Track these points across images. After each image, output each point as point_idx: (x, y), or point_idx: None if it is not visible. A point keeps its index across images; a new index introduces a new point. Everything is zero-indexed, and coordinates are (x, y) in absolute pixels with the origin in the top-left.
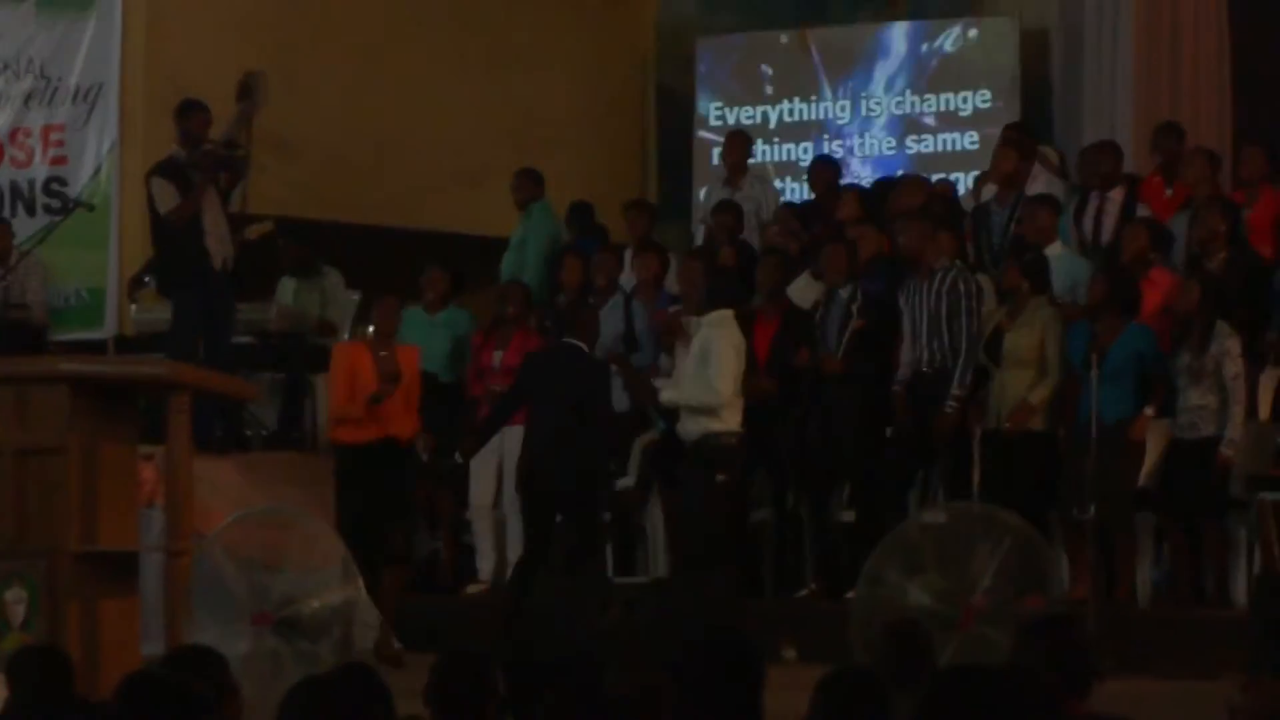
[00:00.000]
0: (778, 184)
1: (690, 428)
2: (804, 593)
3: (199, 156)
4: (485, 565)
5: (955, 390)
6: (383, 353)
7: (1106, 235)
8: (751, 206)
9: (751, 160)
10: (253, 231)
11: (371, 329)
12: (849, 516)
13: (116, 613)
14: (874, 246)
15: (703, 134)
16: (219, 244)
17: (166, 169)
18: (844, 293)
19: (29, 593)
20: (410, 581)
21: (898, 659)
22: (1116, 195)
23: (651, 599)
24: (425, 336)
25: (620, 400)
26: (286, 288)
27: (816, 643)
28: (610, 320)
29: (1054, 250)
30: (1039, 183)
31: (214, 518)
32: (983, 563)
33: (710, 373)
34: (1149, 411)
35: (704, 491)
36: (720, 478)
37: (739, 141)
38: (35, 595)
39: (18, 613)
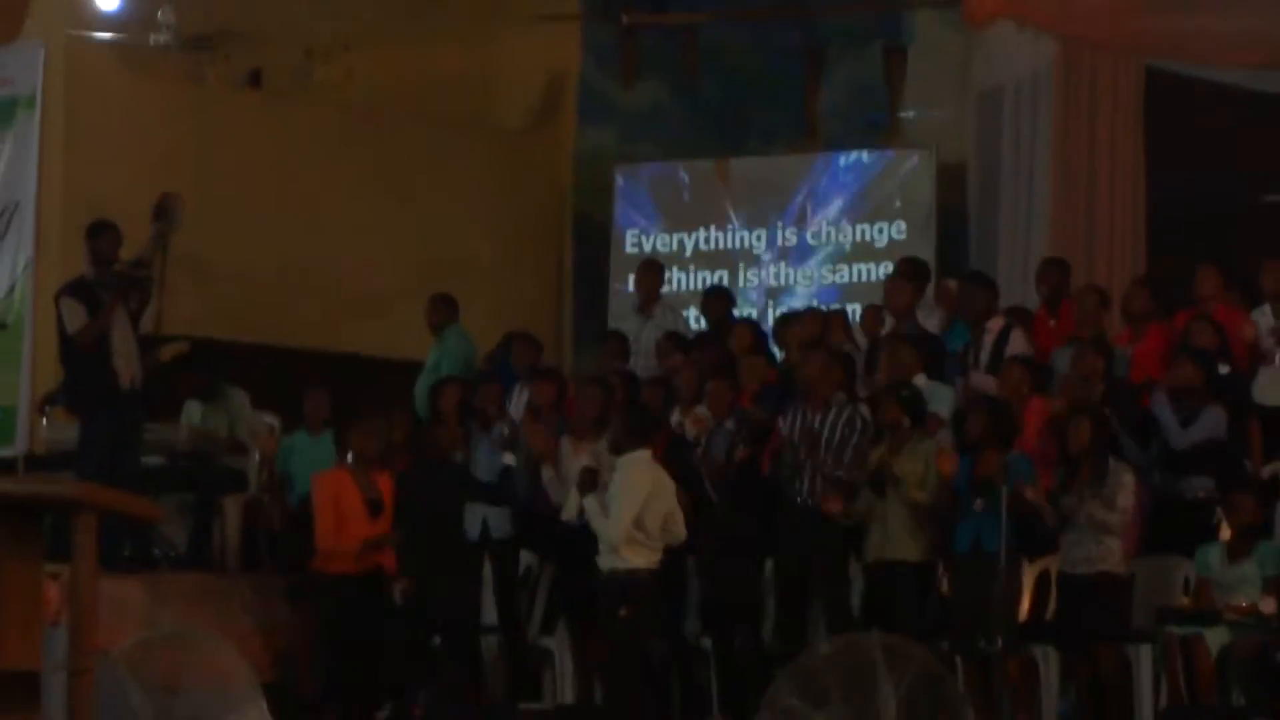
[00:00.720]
0: (692, 312)
1: (601, 561)
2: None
3: (107, 276)
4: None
5: (839, 473)
6: (367, 480)
7: (982, 368)
8: (660, 336)
9: (665, 289)
10: (166, 352)
11: (350, 455)
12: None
13: None
14: (760, 376)
15: (619, 262)
16: (127, 363)
17: (76, 289)
18: (728, 424)
19: None
20: None
21: None
22: (993, 327)
23: None
24: (309, 460)
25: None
26: (192, 411)
27: None
28: (493, 443)
29: (919, 381)
30: (933, 318)
31: (119, 637)
32: (886, 694)
33: (612, 512)
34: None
35: (609, 624)
36: (622, 612)
37: (651, 270)
38: None
39: None
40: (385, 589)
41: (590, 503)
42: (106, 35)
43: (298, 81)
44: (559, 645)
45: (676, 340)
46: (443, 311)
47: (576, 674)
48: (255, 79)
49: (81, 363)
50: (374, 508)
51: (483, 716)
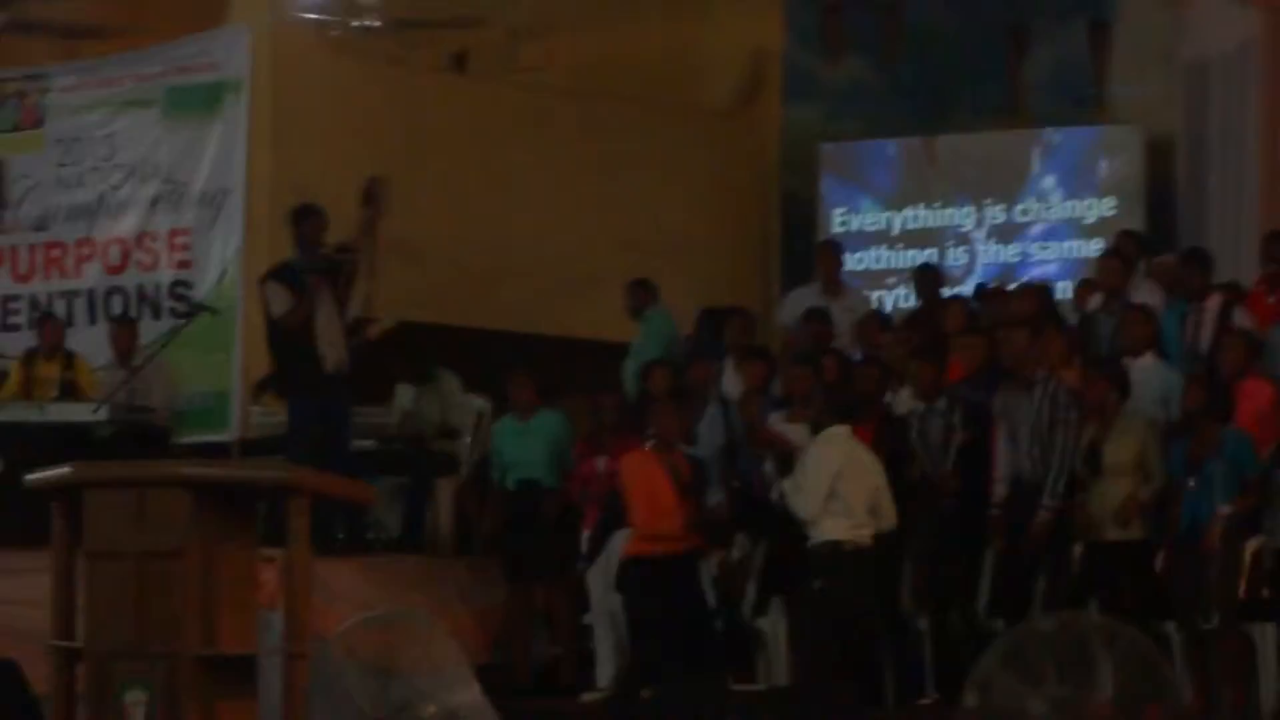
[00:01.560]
0: (900, 291)
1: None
2: (926, 701)
3: (312, 261)
4: (605, 671)
5: (1047, 500)
6: (672, 459)
7: (1205, 345)
8: (849, 316)
9: (875, 266)
10: (374, 331)
11: (653, 436)
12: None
13: (234, 716)
14: (979, 356)
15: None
16: (331, 348)
17: (280, 273)
18: (940, 404)
19: (148, 695)
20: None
21: None
22: (1211, 304)
23: (769, 708)
24: (519, 446)
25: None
26: (404, 394)
27: None
28: (711, 430)
29: (1145, 362)
30: (1141, 292)
31: (334, 621)
32: (1103, 673)
33: (804, 488)
34: (1224, 510)
35: (813, 600)
36: (817, 584)
37: (829, 251)
38: (154, 698)
39: (137, 715)
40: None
41: (789, 483)
42: (312, 18)
43: (502, 63)
44: (772, 626)
45: (880, 319)
46: (641, 296)
47: (790, 655)
48: (460, 61)
49: (287, 347)
50: (684, 488)
51: (696, 697)
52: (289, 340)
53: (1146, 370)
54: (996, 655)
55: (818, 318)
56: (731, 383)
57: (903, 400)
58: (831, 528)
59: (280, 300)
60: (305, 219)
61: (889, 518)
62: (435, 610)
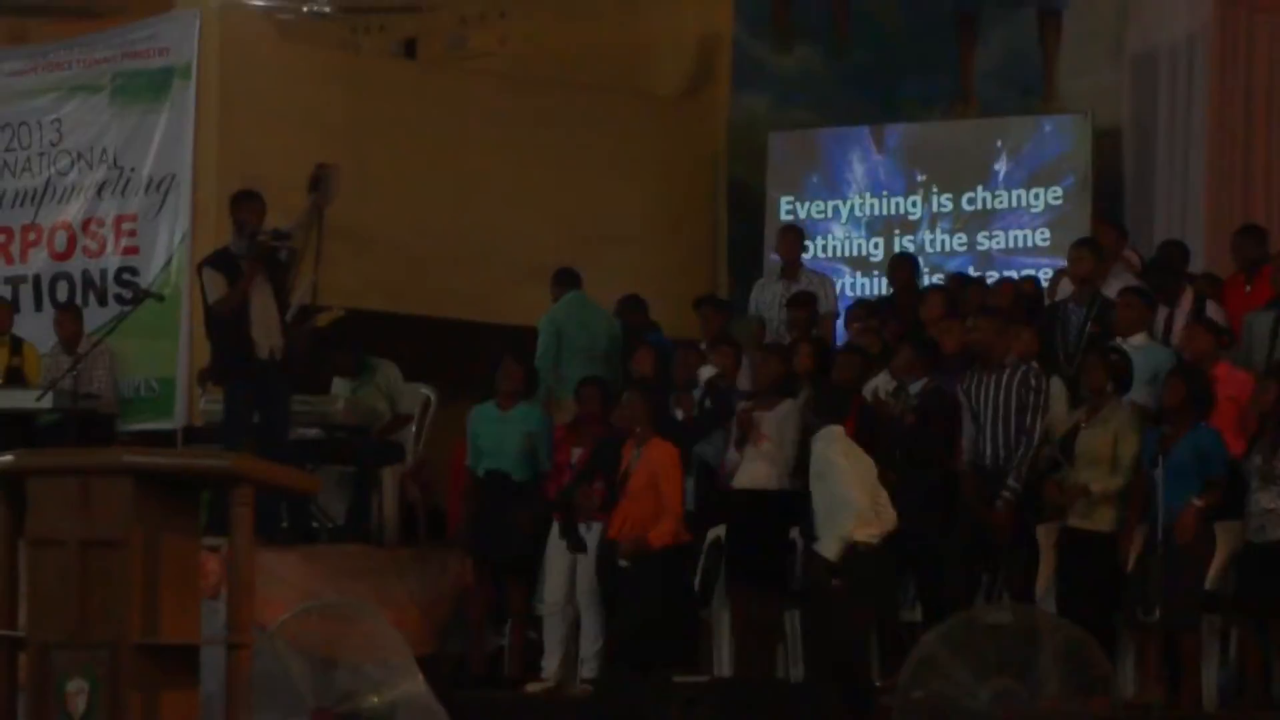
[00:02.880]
0: (848, 278)
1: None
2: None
3: (247, 247)
4: (551, 662)
5: (1011, 482)
6: None
7: (1175, 338)
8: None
9: (821, 256)
10: (323, 319)
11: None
12: (914, 616)
13: (177, 705)
14: (957, 342)
15: (773, 228)
16: (266, 334)
17: (218, 260)
18: (914, 389)
19: (90, 684)
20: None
21: None
22: (1185, 298)
23: (713, 698)
24: (495, 434)
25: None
26: (341, 385)
27: None
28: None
29: (1138, 340)
30: (1118, 282)
31: (278, 610)
32: (1047, 666)
33: (835, 487)
34: (1196, 503)
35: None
36: (835, 583)
37: (791, 236)
38: (96, 687)
39: (79, 704)
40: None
41: (820, 488)
42: (261, 4)
43: (452, 49)
44: (716, 616)
45: (868, 305)
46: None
47: (734, 646)
48: (410, 47)
49: (221, 333)
50: None
51: (643, 688)
52: (223, 327)
53: (1138, 350)
54: (940, 643)
55: (802, 302)
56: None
57: (872, 388)
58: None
59: (215, 287)
60: (242, 203)
61: (891, 518)
62: (379, 600)
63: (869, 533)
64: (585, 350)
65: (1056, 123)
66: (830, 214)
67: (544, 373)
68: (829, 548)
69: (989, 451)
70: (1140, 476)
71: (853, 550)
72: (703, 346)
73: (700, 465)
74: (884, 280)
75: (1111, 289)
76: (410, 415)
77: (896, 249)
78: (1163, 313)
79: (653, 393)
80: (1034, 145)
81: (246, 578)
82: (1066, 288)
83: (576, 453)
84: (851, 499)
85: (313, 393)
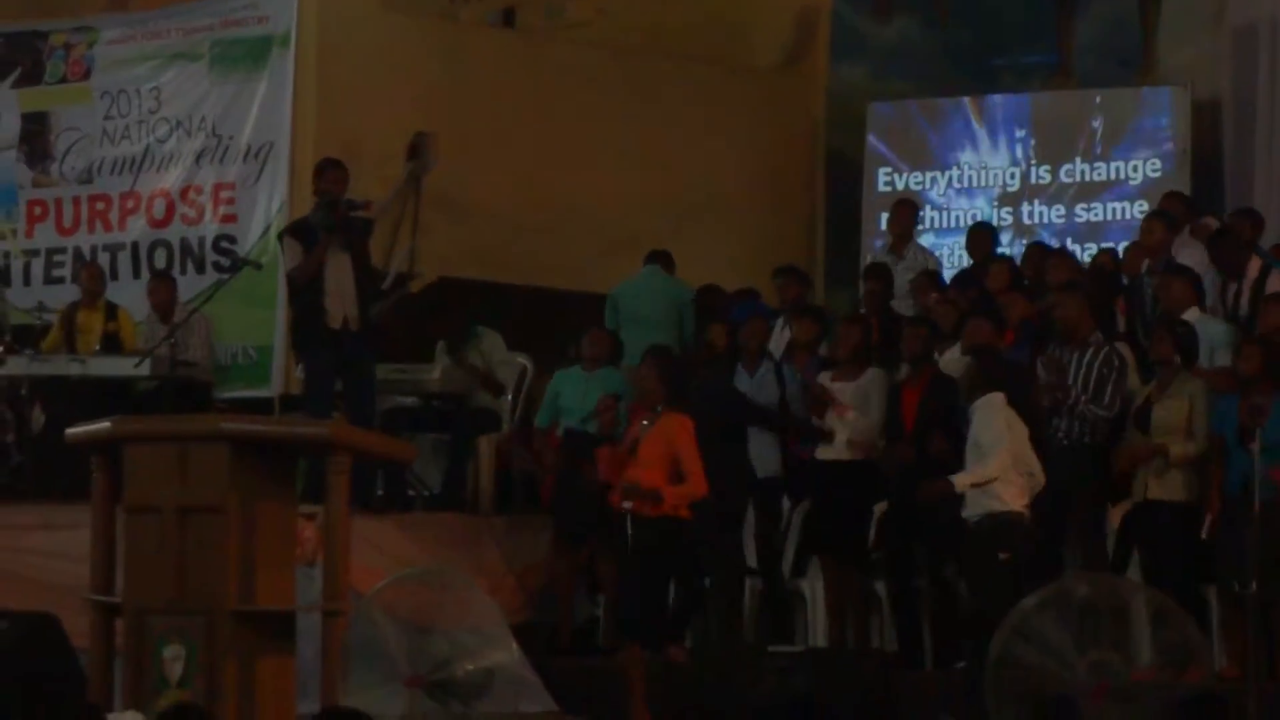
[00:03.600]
0: (945, 249)
1: (973, 507)
2: (963, 664)
3: (321, 216)
4: None
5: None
6: None
7: (1244, 308)
8: (909, 275)
9: (920, 228)
10: (414, 285)
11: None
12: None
13: (272, 671)
14: (1021, 313)
15: (872, 199)
16: (339, 303)
17: (296, 229)
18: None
19: (187, 650)
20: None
21: None
22: (1251, 270)
23: (805, 670)
24: (579, 394)
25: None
26: (444, 357)
27: (975, 713)
28: (763, 386)
29: (1191, 316)
30: (1185, 254)
31: (374, 578)
32: (1142, 637)
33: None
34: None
35: (987, 570)
36: (1003, 556)
37: (905, 210)
38: (193, 652)
39: (175, 669)
40: None
41: (972, 451)
42: None
43: (550, 19)
44: (810, 587)
45: (932, 278)
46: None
47: (829, 616)
48: (508, 17)
49: (298, 302)
50: None
51: (734, 659)
52: (300, 296)
53: (1193, 325)
54: (1029, 615)
55: (877, 274)
56: (779, 341)
57: (950, 362)
58: (1009, 497)
59: (292, 255)
60: (324, 173)
61: (1040, 479)
62: (474, 568)
63: (1021, 501)
64: (647, 320)
65: (1155, 95)
66: (928, 185)
67: None
68: (959, 478)
69: (1064, 429)
70: (1216, 445)
71: (1005, 519)
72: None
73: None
74: None
75: (1183, 259)
76: (502, 383)
77: (995, 221)
78: (1232, 286)
79: (670, 363)
80: (1133, 117)
81: (342, 545)
82: (1141, 260)
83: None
84: (992, 467)
85: (414, 360)
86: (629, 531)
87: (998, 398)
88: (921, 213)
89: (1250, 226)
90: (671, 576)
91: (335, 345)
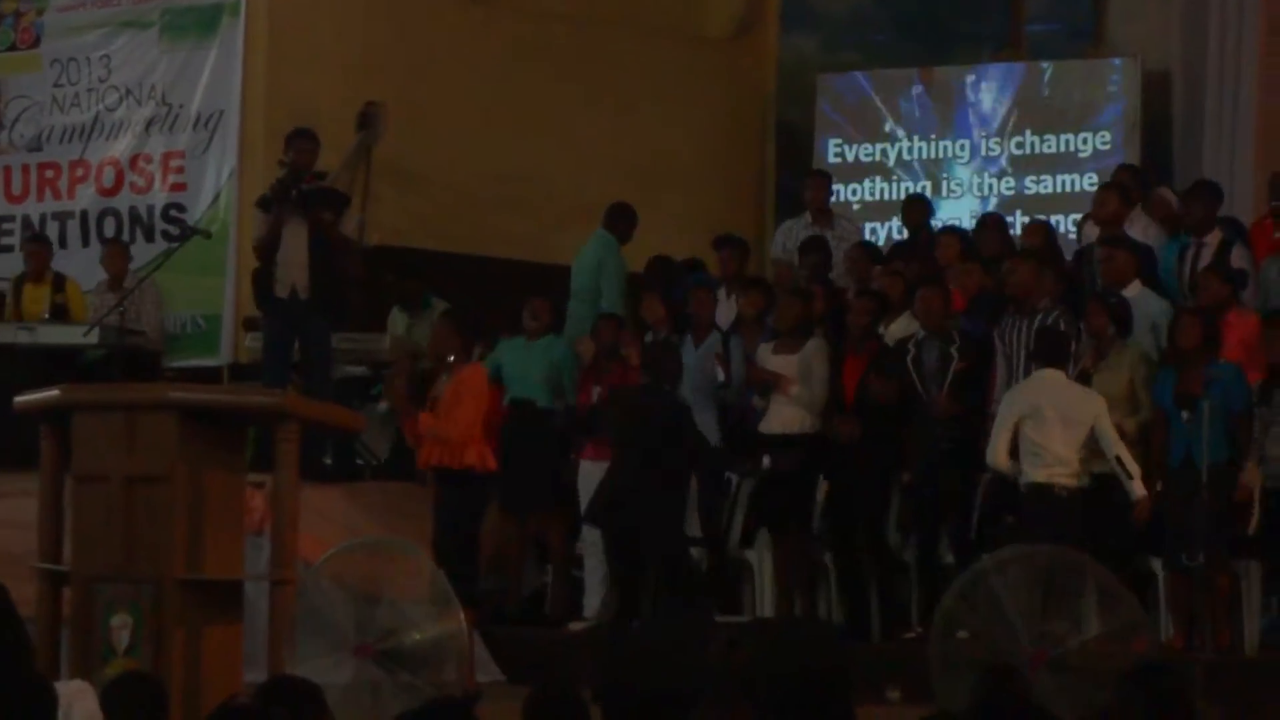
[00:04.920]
0: (895, 223)
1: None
2: (910, 635)
3: (276, 188)
4: (592, 601)
5: None
6: None
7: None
8: (841, 246)
9: (869, 199)
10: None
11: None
12: (950, 558)
13: (220, 640)
14: (978, 284)
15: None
16: (288, 271)
17: (263, 200)
18: (942, 334)
19: (134, 618)
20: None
21: (998, 705)
22: (1212, 239)
23: (754, 638)
24: (522, 362)
25: (712, 435)
26: (398, 320)
27: (922, 685)
28: (706, 358)
29: (1132, 290)
30: (1137, 226)
31: (322, 547)
32: (1088, 609)
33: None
34: (1251, 465)
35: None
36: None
37: (820, 181)
38: (140, 621)
39: (122, 638)
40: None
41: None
42: None
43: None
44: (759, 558)
45: (869, 250)
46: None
47: (775, 587)
48: None
49: (256, 271)
50: None
51: (682, 629)
52: (259, 265)
53: (1134, 299)
54: (968, 586)
55: (815, 247)
56: (724, 312)
57: (894, 332)
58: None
59: (256, 227)
60: (289, 142)
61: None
62: (422, 538)
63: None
64: (578, 291)
65: (1105, 67)
66: (879, 156)
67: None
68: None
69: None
70: (1156, 416)
71: (1050, 491)
72: (722, 290)
73: (726, 408)
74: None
75: (1135, 231)
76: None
77: (944, 193)
78: (1189, 254)
79: (464, 321)
80: (1083, 89)
81: (291, 514)
82: (1093, 232)
83: (596, 391)
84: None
85: (369, 325)
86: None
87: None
88: (870, 184)
89: (1209, 196)
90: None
91: (285, 313)
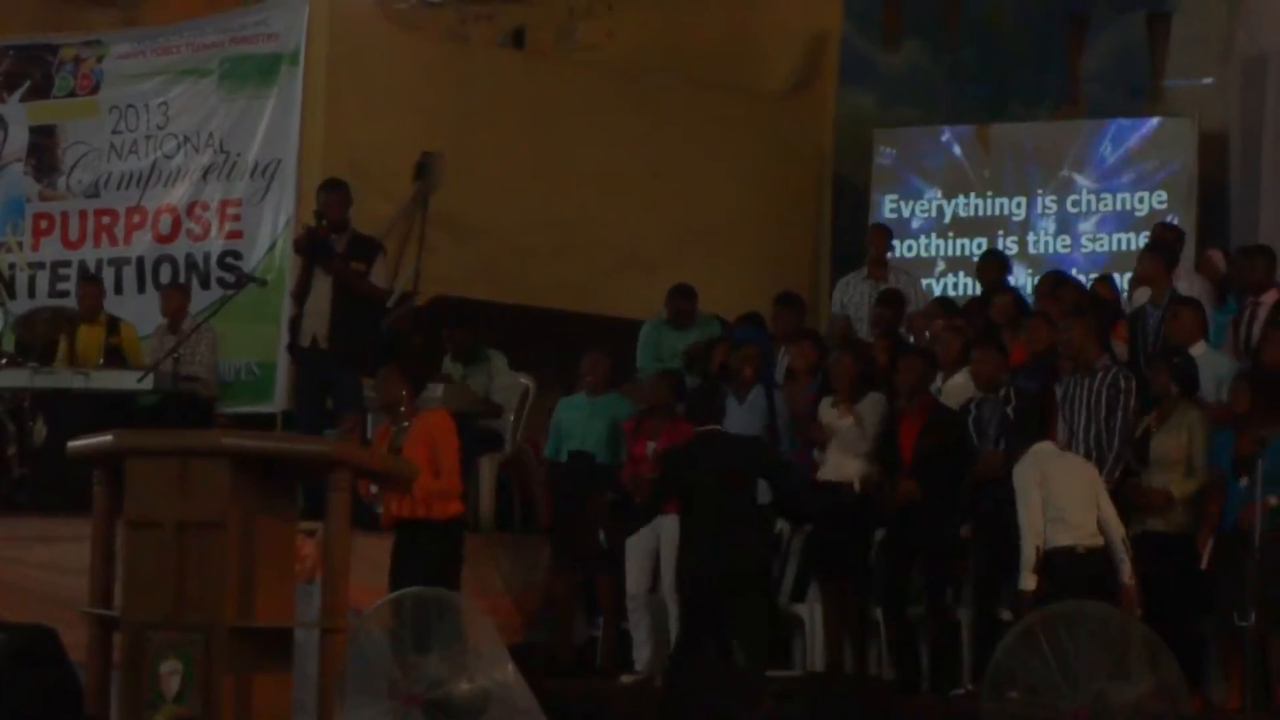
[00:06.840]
0: (949, 279)
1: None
2: (960, 692)
3: (301, 239)
4: (642, 654)
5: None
6: None
7: (1255, 335)
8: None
9: (924, 254)
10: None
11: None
12: (1008, 615)
13: (269, 688)
14: (1046, 341)
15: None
16: (311, 321)
17: (297, 244)
18: (1000, 393)
19: (184, 665)
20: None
21: None
22: (1267, 300)
23: (805, 692)
24: (584, 419)
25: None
26: (453, 371)
27: None
28: (753, 411)
29: (1198, 350)
30: (1182, 285)
31: (373, 595)
32: (1138, 666)
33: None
34: (1272, 501)
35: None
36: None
37: (881, 234)
38: (190, 668)
39: (172, 684)
40: None
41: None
42: None
43: (560, 41)
44: (810, 611)
45: (945, 305)
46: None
47: (827, 640)
48: (518, 38)
49: (293, 318)
50: None
51: (731, 682)
52: (293, 312)
53: (1200, 358)
54: (1019, 643)
55: (890, 300)
56: (781, 370)
57: (951, 389)
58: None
59: (291, 271)
60: (319, 193)
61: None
62: (473, 587)
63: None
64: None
65: (1163, 126)
66: (934, 213)
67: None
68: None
69: (1080, 453)
70: (1213, 478)
71: (1073, 552)
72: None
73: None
74: None
75: (1182, 289)
76: (501, 405)
77: (1000, 249)
78: (1245, 315)
79: (412, 367)
80: (1140, 148)
81: (341, 563)
82: (1145, 293)
83: (651, 446)
84: (1027, 540)
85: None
86: None
87: (1033, 451)
88: (927, 240)
89: (1263, 262)
90: None
91: (309, 363)
